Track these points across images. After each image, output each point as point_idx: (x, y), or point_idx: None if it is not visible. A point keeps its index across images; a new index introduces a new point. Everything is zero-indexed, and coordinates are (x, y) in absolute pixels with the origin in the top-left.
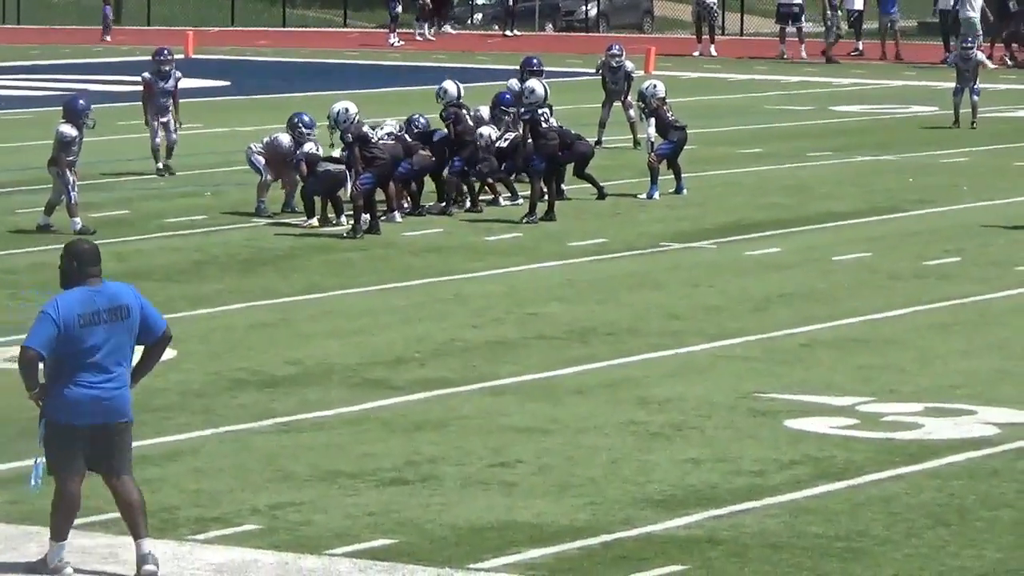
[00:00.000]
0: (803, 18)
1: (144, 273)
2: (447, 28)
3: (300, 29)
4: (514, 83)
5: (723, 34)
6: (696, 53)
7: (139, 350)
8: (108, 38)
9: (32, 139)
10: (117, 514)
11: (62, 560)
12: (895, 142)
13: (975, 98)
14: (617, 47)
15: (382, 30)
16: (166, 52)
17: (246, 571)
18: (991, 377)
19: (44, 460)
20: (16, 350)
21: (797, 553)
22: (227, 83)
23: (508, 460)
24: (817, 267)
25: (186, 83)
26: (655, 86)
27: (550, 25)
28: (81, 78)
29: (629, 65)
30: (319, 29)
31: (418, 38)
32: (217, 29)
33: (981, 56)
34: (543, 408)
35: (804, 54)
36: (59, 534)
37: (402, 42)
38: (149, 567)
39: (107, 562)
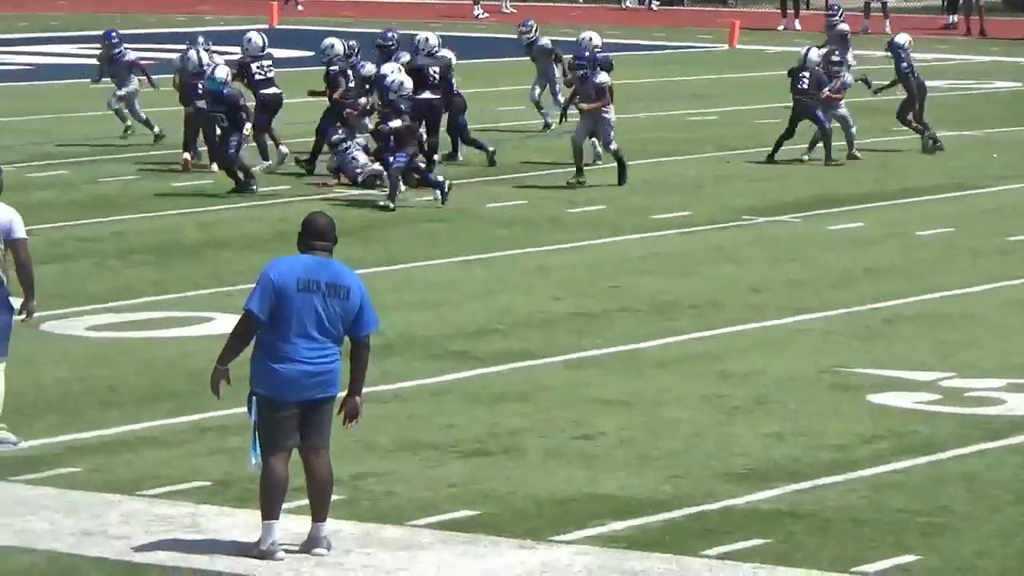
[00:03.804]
0: None
1: (226, 242)
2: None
3: (385, 0)
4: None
5: (807, 8)
6: (780, 27)
7: None
8: (300, 7)
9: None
10: (198, 483)
11: (273, 543)
12: (978, 118)
13: None
14: (528, 23)
15: (467, 2)
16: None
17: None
18: None
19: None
20: (99, 318)
21: (879, 528)
22: (311, 53)
23: (590, 432)
24: (899, 242)
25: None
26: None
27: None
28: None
29: (544, 41)
30: (404, 0)
31: (504, 11)
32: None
33: None
34: (625, 381)
35: (888, 28)
36: (268, 513)
37: (487, 14)
38: (320, 549)
39: (189, 531)
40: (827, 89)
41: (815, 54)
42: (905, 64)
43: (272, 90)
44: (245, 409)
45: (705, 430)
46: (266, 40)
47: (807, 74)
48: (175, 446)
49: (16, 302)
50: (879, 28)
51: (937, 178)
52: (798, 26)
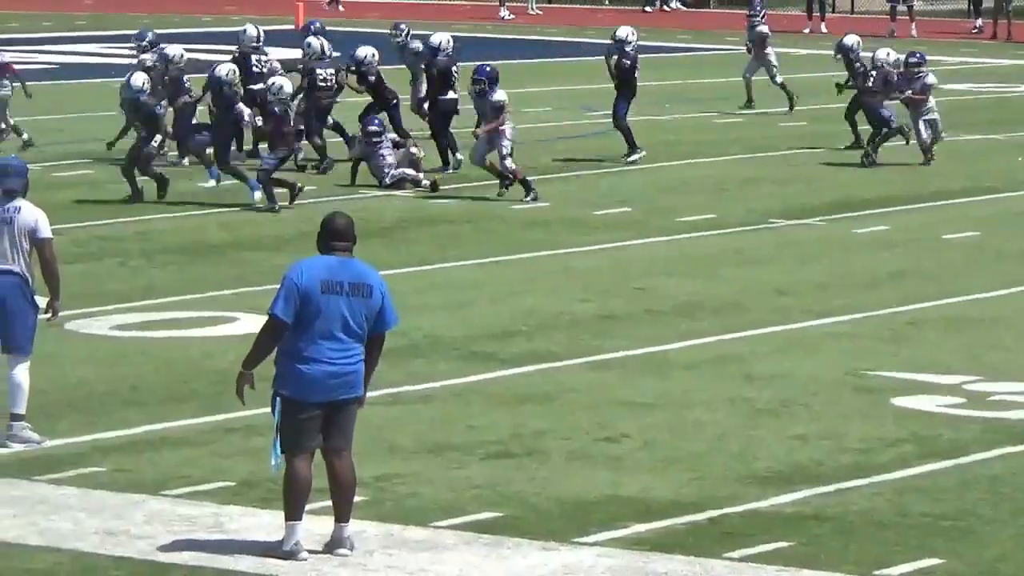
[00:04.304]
0: None
1: (251, 243)
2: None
3: (411, 1)
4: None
5: (833, 11)
6: (806, 30)
7: None
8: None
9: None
10: (222, 483)
11: (297, 543)
12: (1004, 121)
13: None
14: (400, 25)
15: (493, 3)
16: None
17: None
18: None
19: (279, 438)
20: (124, 318)
21: (903, 531)
22: (337, 54)
23: (614, 434)
24: (925, 246)
25: (296, 54)
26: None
27: (657, 2)
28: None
29: (415, 44)
30: (430, 1)
31: (530, 12)
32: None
33: None
34: (649, 383)
35: (914, 31)
36: (291, 514)
37: (513, 16)
38: (343, 550)
39: (212, 531)
40: (909, 91)
41: (883, 53)
42: (859, 64)
43: (260, 85)
44: (269, 409)
45: (729, 432)
46: (262, 33)
47: (875, 72)
48: (199, 446)
49: (41, 301)
50: (905, 32)
51: (963, 181)
52: (824, 28)
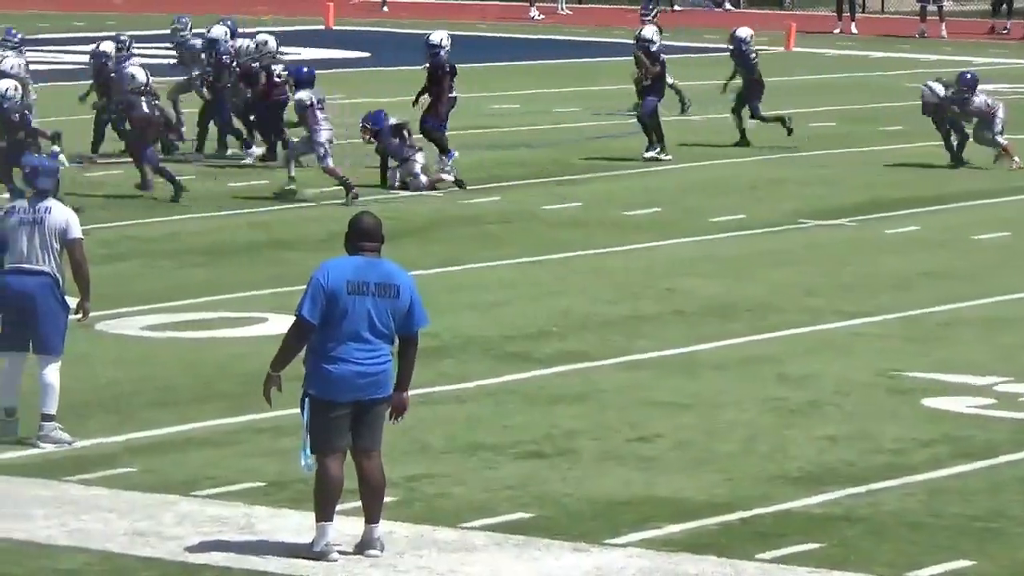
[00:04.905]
0: None
1: (285, 243)
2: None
3: (441, 0)
4: None
5: (863, 11)
6: (836, 31)
7: None
8: (385, 8)
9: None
10: (251, 484)
11: (327, 544)
12: None
13: None
14: (183, 19)
15: (523, 3)
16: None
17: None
18: None
19: (310, 438)
20: (153, 319)
21: (935, 532)
22: (367, 54)
23: (646, 435)
24: (956, 246)
25: (326, 53)
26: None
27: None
28: None
29: (194, 41)
30: (460, 1)
31: (560, 12)
32: (357, 0)
33: None
34: (681, 383)
35: (944, 32)
36: (322, 515)
37: (542, 16)
38: (374, 551)
39: (242, 532)
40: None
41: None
42: (754, 55)
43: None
44: (297, 410)
45: (760, 433)
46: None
47: (952, 90)
48: (228, 446)
49: (72, 302)
50: (936, 33)
51: (993, 182)
52: (854, 29)
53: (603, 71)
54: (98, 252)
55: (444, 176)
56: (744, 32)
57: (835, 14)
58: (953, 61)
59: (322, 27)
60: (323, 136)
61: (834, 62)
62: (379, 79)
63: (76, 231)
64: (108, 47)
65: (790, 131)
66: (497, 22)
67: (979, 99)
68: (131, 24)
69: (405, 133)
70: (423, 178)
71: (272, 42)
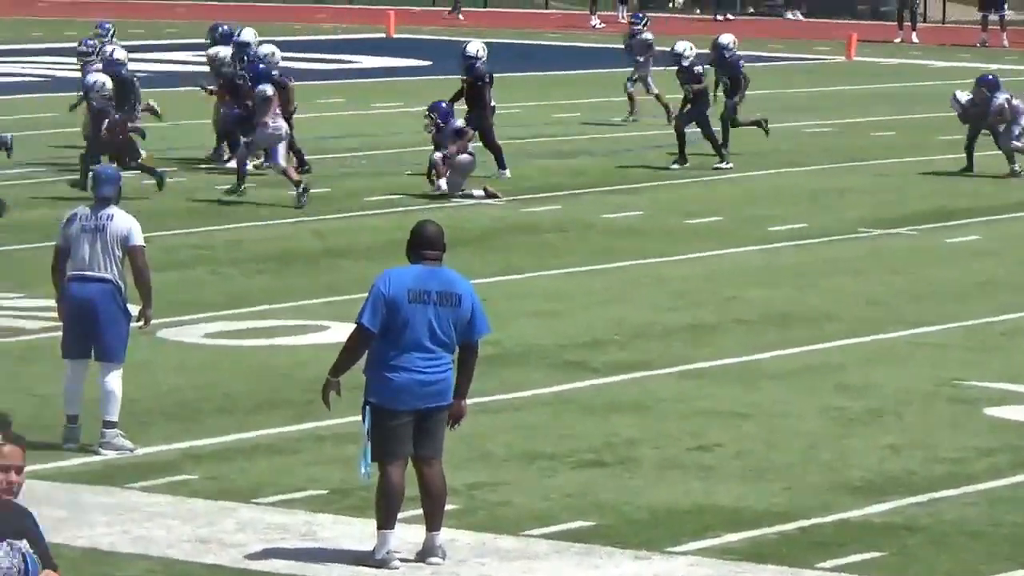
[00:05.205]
0: (1006, 5)
1: (343, 251)
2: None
3: (501, 10)
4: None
5: (924, 21)
6: (897, 40)
7: None
8: (461, 16)
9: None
10: (313, 491)
11: (389, 552)
12: None
13: None
14: (105, 25)
15: (583, 11)
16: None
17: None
18: None
19: (370, 446)
20: (215, 326)
21: (996, 541)
22: (428, 63)
23: (706, 443)
24: (1018, 255)
25: (387, 62)
26: None
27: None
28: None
29: (119, 55)
30: (520, 10)
31: (621, 20)
32: (419, 9)
33: None
34: (741, 392)
35: (1005, 42)
36: (384, 523)
37: (603, 24)
38: (435, 559)
39: (304, 540)
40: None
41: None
42: (742, 62)
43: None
44: (359, 418)
45: (821, 442)
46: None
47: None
48: (291, 454)
49: (134, 309)
50: (997, 42)
51: None
52: (915, 39)
53: (663, 80)
54: (162, 259)
55: (484, 188)
56: (726, 39)
57: (896, 23)
58: (1015, 71)
59: (384, 35)
60: (280, 130)
61: (894, 71)
62: (439, 87)
63: (138, 238)
64: (120, 54)
65: (767, 132)
66: (558, 31)
67: (1000, 99)
68: (193, 32)
69: (466, 142)
70: (474, 191)
71: (278, 54)
